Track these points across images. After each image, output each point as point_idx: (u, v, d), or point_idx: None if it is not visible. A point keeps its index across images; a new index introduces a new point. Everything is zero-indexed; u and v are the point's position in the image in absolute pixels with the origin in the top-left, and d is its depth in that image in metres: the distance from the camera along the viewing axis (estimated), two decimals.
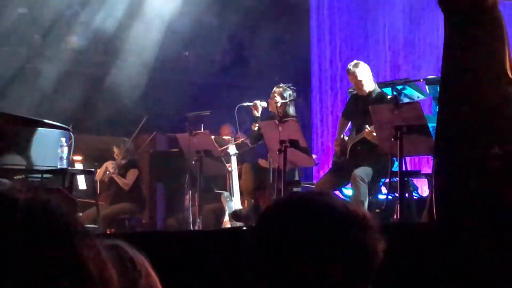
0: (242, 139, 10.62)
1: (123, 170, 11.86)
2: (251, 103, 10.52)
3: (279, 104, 9.98)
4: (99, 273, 1.19)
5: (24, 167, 8.32)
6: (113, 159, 12.11)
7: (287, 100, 10.09)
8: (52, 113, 10.85)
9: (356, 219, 2.02)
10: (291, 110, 10.21)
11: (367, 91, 9.54)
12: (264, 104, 10.40)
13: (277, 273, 2.01)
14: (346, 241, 2.00)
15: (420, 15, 12.73)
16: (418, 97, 9.56)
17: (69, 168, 8.62)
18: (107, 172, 11.87)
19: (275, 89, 10.31)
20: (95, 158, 12.10)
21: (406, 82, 10.16)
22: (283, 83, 10.39)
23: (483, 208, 5.82)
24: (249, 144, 10.50)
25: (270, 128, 9.20)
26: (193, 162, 9.78)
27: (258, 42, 13.74)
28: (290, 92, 10.26)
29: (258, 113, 10.45)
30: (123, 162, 11.96)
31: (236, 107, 10.59)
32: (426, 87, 9.78)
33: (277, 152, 8.93)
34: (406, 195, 8.94)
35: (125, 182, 11.81)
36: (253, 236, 2.15)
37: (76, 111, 12.03)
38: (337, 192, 9.59)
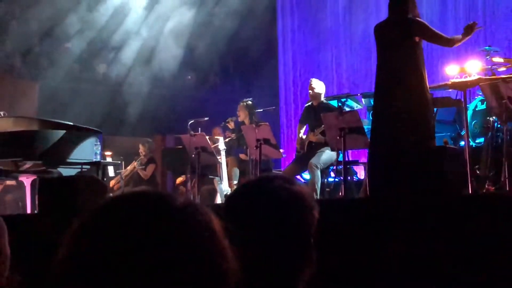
0: (230, 137, 10.63)
1: (144, 165, 11.84)
2: (227, 120, 10.70)
3: (245, 113, 10.26)
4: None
5: (70, 161, 8.27)
6: (136, 154, 12.13)
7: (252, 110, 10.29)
8: (91, 120, 10.82)
9: (298, 196, 1.94)
10: (254, 117, 10.25)
11: (318, 102, 9.56)
12: (234, 118, 10.53)
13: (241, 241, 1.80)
14: (288, 211, 1.93)
15: (358, 46, 12.67)
16: (356, 107, 9.56)
17: (101, 161, 8.59)
18: (134, 168, 11.91)
19: (240, 104, 10.44)
20: (121, 154, 12.04)
21: (348, 96, 10.16)
22: (252, 99, 10.58)
23: (403, 187, 6.04)
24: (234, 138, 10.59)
25: (250, 131, 9.23)
26: (193, 156, 9.79)
27: (240, 68, 13.72)
28: (251, 103, 10.38)
29: (231, 127, 10.64)
30: (145, 158, 11.95)
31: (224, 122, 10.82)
32: (362, 99, 9.78)
33: (255, 148, 8.95)
34: (349, 178, 9.06)
35: (145, 173, 11.82)
36: (223, 211, 2.04)
37: (106, 119, 12.00)
38: (298, 177, 9.55)
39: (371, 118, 9.10)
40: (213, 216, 1.13)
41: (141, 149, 12.06)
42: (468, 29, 7.11)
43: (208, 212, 1.12)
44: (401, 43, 6.84)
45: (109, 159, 10.76)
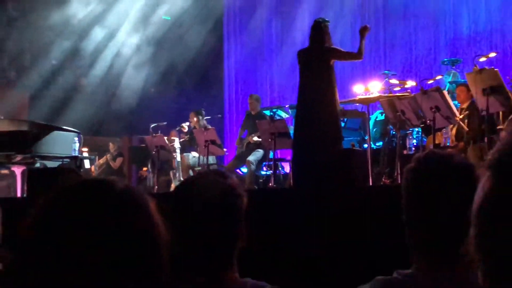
0: (184, 138, 10.64)
1: (115, 158, 11.75)
2: (181, 125, 10.63)
3: (195, 120, 10.20)
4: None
5: (53, 155, 8.24)
6: (107, 151, 12.06)
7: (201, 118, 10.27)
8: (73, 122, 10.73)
9: (229, 186, 1.91)
10: (204, 122, 10.22)
11: (255, 112, 9.66)
12: (187, 123, 10.48)
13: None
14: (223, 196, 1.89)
15: (286, 67, 12.43)
16: (284, 116, 9.67)
17: (78, 155, 8.56)
18: (106, 160, 11.82)
19: (192, 112, 10.42)
20: (94, 149, 11.99)
21: (278, 107, 10.29)
22: (203, 108, 10.54)
23: (319, 179, 6.05)
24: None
25: (200, 133, 9.27)
26: (153, 153, 9.78)
27: (194, 83, 13.72)
28: (202, 111, 10.38)
29: (185, 130, 10.51)
30: (115, 153, 11.85)
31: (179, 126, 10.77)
32: (289, 110, 9.87)
33: (203, 147, 9.00)
34: (277, 172, 9.12)
35: (115, 164, 11.68)
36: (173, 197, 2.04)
37: (85, 121, 11.91)
38: (238, 170, 9.62)
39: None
40: (147, 196, 1.11)
41: (111, 146, 11.97)
42: (361, 31, 7.05)
43: (142, 193, 1.11)
44: (318, 66, 6.84)
45: (85, 154, 10.70)
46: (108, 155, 11.89)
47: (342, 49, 7.09)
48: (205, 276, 1.87)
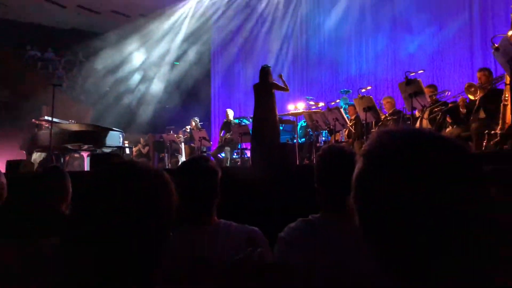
0: (187, 136, 10.54)
1: (144, 147, 11.44)
2: (185, 128, 10.52)
3: (193, 124, 9.98)
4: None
5: (107, 145, 8.13)
6: (139, 142, 11.82)
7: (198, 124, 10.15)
8: (119, 125, 10.60)
9: (211, 166, 1.88)
10: (199, 126, 10.06)
11: (229, 120, 9.65)
12: (189, 126, 10.30)
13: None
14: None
15: (248, 92, 12.37)
16: (247, 122, 9.66)
17: (122, 145, 8.47)
18: (139, 148, 11.57)
19: (191, 120, 10.19)
20: (132, 142, 11.83)
21: (243, 117, 10.27)
22: (197, 117, 10.38)
23: (266, 162, 5.86)
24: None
25: (196, 133, 9.18)
26: (168, 144, 9.72)
27: (191, 100, 13.57)
28: (197, 119, 10.18)
29: (188, 131, 10.30)
30: (144, 144, 11.51)
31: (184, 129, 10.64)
32: (250, 119, 9.84)
33: (198, 141, 8.98)
34: (244, 156, 9.04)
35: (144, 151, 11.28)
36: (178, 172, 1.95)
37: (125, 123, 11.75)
38: (219, 155, 9.46)
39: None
40: (165, 173, 1.00)
41: (141, 140, 11.70)
42: (280, 77, 7.07)
43: (161, 171, 1.00)
44: (265, 94, 6.77)
45: (126, 145, 10.58)
46: (140, 145, 11.64)
47: (279, 84, 6.97)
48: (197, 219, 1.84)
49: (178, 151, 10.18)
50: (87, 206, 0.91)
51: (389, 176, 0.68)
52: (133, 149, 11.29)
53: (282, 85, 6.98)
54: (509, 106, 4.29)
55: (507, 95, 4.38)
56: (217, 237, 1.81)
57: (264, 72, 6.92)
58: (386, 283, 0.72)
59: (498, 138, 4.21)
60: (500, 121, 4.39)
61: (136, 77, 13.26)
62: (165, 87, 13.40)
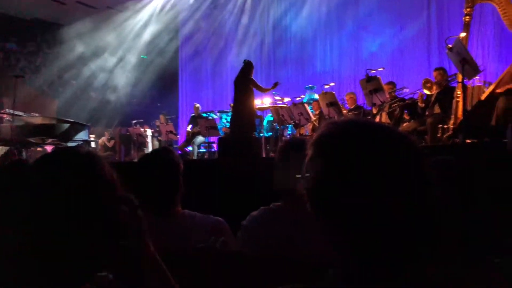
0: (154, 129, 10.39)
1: (109, 140, 11.16)
2: (153, 122, 10.35)
3: (162, 118, 9.87)
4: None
5: (72, 139, 7.94)
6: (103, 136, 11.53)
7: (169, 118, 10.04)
8: (84, 119, 10.32)
9: (173, 158, 1.89)
10: (167, 120, 9.97)
11: (197, 114, 9.57)
12: (158, 121, 10.18)
13: None
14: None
15: (222, 86, 12.50)
16: (214, 117, 9.59)
17: (88, 139, 8.27)
18: (104, 141, 11.33)
19: (160, 114, 10.18)
20: (98, 135, 11.54)
21: (211, 112, 10.20)
22: (167, 112, 10.35)
23: (235, 154, 5.83)
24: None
25: (164, 126, 9.08)
26: (134, 138, 9.54)
27: (160, 95, 13.39)
28: (165, 113, 10.14)
29: (157, 124, 10.11)
30: (109, 137, 11.21)
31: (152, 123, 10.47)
32: (217, 113, 9.81)
33: (165, 134, 8.88)
34: (211, 150, 9.02)
35: (110, 144, 10.97)
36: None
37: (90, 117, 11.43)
38: (186, 149, 9.39)
39: (223, 122, 9.21)
40: (101, 157, 0.97)
41: (106, 134, 11.32)
42: (274, 85, 6.99)
43: (97, 155, 0.97)
44: (244, 88, 6.73)
45: (92, 138, 10.33)
46: (105, 139, 11.26)
47: (257, 83, 6.90)
48: (161, 210, 1.83)
49: (145, 145, 10.06)
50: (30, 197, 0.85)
51: (334, 163, 0.71)
52: (98, 142, 11.04)
53: (263, 86, 6.91)
54: (460, 103, 4.48)
55: (459, 92, 4.57)
56: (182, 228, 1.80)
57: (245, 66, 6.85)
58: (336, 263, 0.74)
59: (451, 132, 4.39)
60: (453, 116, 4.58)
61: (103, 70, 12.90)
62: (132, 80, 13.11)
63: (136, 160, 9.47)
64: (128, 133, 10.50)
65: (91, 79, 12.92)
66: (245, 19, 11.99)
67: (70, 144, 7.96)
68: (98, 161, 0.96)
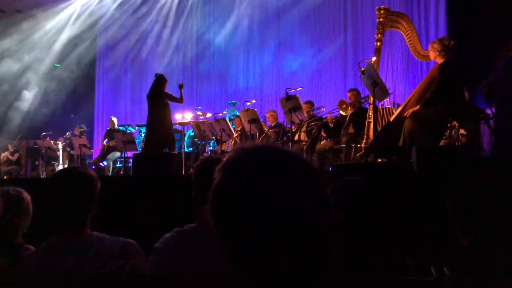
0: (66, 143, 9.82)
1: (13, 153, 10.38)
2: (66, 135, 9.82)
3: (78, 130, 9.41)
4: None
5: None
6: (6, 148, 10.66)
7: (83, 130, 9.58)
8: None
9: (87, 175, 1.82)
10: (82, 133, 9.55)
11: (113, 127, 9.22)
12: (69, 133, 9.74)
13: None
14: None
15: (135, 102, 12.13)
16: (132, 130, 9.30)
17: None
18: (7, 155, 10.46)
19: (76, 127, 9.69)
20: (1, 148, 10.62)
21: (129, 125, 9.89)
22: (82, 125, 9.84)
23: (155, 170, 5.71)
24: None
25: (76, 140, 8.57)
26: (43, 151, 8.91)
27: (72, 107, 12.71)
28: (82, 126, 9.67)
29: (68, 136, 9.67)
30: (12, 150, 10.44)
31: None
32: (136, 127, 9.55)
33: (78, 148, 8.42)
34: (127, 165, 8.74)
35: (14, 158, 10.24)
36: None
37: None
38: (101, 164, 9.01)
39: (142, 136, 8.93)
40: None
41: (9, 146, 10.47)
42: (180, 87, 6.87)
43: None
44: (158, 102, 6.63)
45: None
46: (8, 152, 10.45)
47: (172, 95, 6.81)
48: (68, 230, 1.75)
49: (56, 159, 9.44)
50: None
51: (238, 187, 0.73)
52: (1, 155, 10.16)
53: (178, 96, 6.82)
54: (372, 123, 4.80)
55: (370, 113, 4.89)
56: (89, 250, 1.73)
57: (160, 80, 6.75)
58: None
59: (363, 151, 4.67)
60: (365, 136, 4.88)
61: (9, 77, 11.95)
62: (42, 90, 12.28)
63: (43, 175, 8.89)
64: (36, 146, 9.79)
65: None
66: (167, 31, 11.86)
67: None
68: None
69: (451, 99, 4.17)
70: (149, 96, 6.77)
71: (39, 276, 1.56)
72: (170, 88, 7.16)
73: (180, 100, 6.83)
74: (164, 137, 6.59)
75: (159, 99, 6.67)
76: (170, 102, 6.74)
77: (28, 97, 11.98)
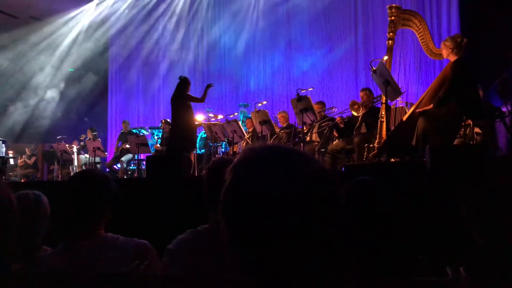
0: (81, 145, 9.93)
1: (30, 157, 10.54)
2: (78, 141, 9.90)
3: (90, 133, 9.48)
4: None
5: None
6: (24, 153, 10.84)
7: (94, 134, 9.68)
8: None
9: (104, 176, 1.86)
10: (94, 136, 9.59)
11: (127, 130, 9.31)
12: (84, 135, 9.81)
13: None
14: None
15: (152, 102, 12.15)
16: (145, 133, 9.38)
17: (5, 156, 7.72)
18: (24, 158, 10.62)
19: (88, 129, 9.76)
20: (18, 152, 10.78)
21: (141, 128, 9.98)
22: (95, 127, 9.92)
23: (166, 173, 5.71)
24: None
25: (90, 143, 8.64)
26: (59, 154, 9.00)
27: (89, 111, 12.83)
28: (94, 129, 9.72)
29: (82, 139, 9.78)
30: (30, 153, 10.61)
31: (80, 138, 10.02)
32: (148, 129, 9.61)
33: (92, 151, 8.50)
34: (141, 167, 8.81)
35: (31, 162, 10.40)
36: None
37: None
38: (114, 166, 9.07)
39: (155, 138, 8.96)
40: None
41: (27, 150, 10.64)
42: (207, 87, 6.86)
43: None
44: (182, 105, 6.66)
45: (10, 155, 9.63)
46: (25, 156, 10.60)
47: (193, 96, 6.85)
48: (84, 232, 1.77)
49: (71, 162, 9.55)
50: None
51: (249, 188, 0.73)
52: (19, 160, 10.31)
53: (199, 97, 6.83)
54: (384, 123, 4.76)
55: (383, 113, 4.85)
56: (104, 251, 1.75)
57: (181, 83, 6.76)
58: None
59: (376, 151, 4.64)
60: (378, 136, 4.84)
61: (26, 83, 12.15)
62: (58, 95, 12.46)
63: (59, 178, 9.00)
64: (51, 150, 9.92)
65: (13, 94, 12.13)
66: (179, 34, 11.92)
67: None
68: None
69: (464, 97, 4.10)
70: (173, 99, 6.78)
71: (55, 277, 1.56)
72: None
73: (201, 100, 6.84)
74: (188, 138, 6.64)
75: (183, 101, 6.68)
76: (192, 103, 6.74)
77: (44, 102, 12.18)
